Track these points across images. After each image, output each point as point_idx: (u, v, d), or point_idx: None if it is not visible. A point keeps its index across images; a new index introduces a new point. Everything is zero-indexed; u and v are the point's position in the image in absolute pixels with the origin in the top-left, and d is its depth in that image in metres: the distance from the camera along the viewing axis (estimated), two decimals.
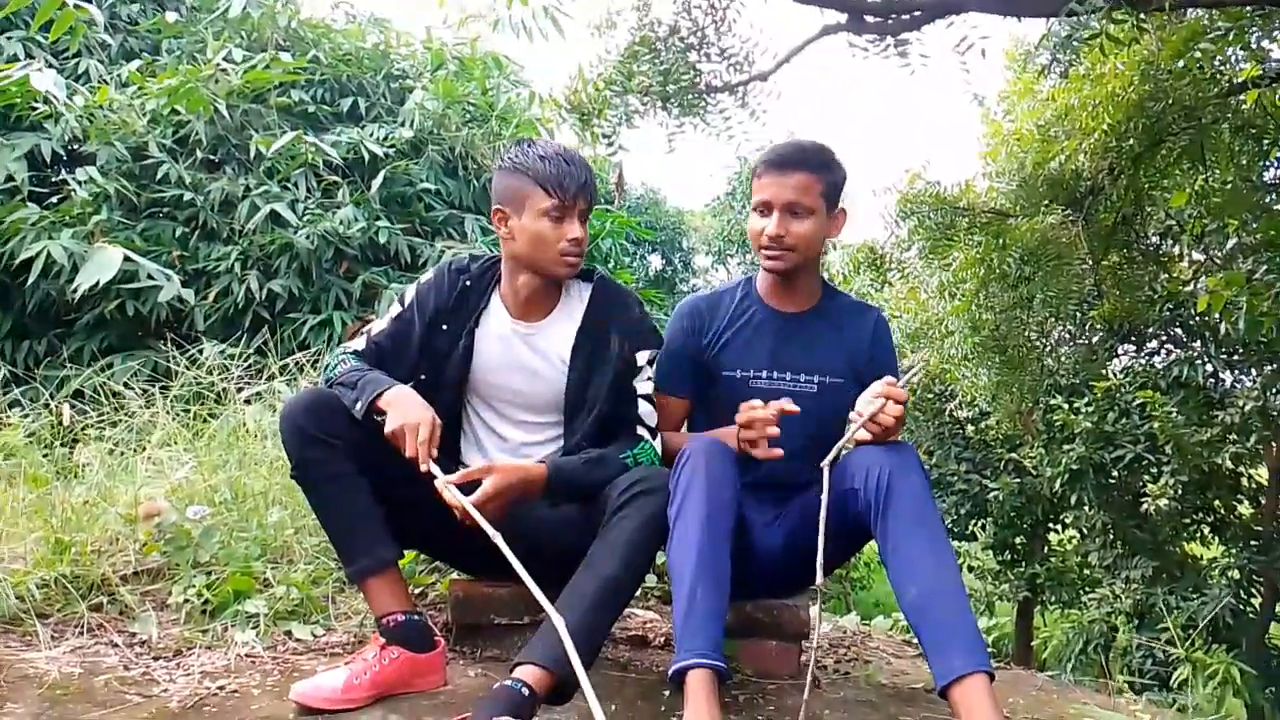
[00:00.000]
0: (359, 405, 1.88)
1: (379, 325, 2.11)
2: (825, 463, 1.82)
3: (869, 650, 2.70)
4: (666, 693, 2.02)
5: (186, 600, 2.24)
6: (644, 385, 2.08)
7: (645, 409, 2.07)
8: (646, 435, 2.05)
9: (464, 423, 2.13)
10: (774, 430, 1.94)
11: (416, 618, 1.94)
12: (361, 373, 1.96)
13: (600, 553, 1.76)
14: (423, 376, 2.07)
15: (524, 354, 2.09)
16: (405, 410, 1.85)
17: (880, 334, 2.25)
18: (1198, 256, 7.07)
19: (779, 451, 1.94)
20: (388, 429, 1.83)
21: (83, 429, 3.16)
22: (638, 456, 2.00)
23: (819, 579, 1.68)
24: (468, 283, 2.11)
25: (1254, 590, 6.96)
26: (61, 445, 3.22)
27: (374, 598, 1.93)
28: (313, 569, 2.46)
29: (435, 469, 1.81)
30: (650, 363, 2.10)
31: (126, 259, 4.71)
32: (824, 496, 1.75)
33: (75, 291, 4.67)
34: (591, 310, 2.11)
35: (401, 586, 1.97)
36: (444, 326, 2.07)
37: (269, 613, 2.22)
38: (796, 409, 1.96)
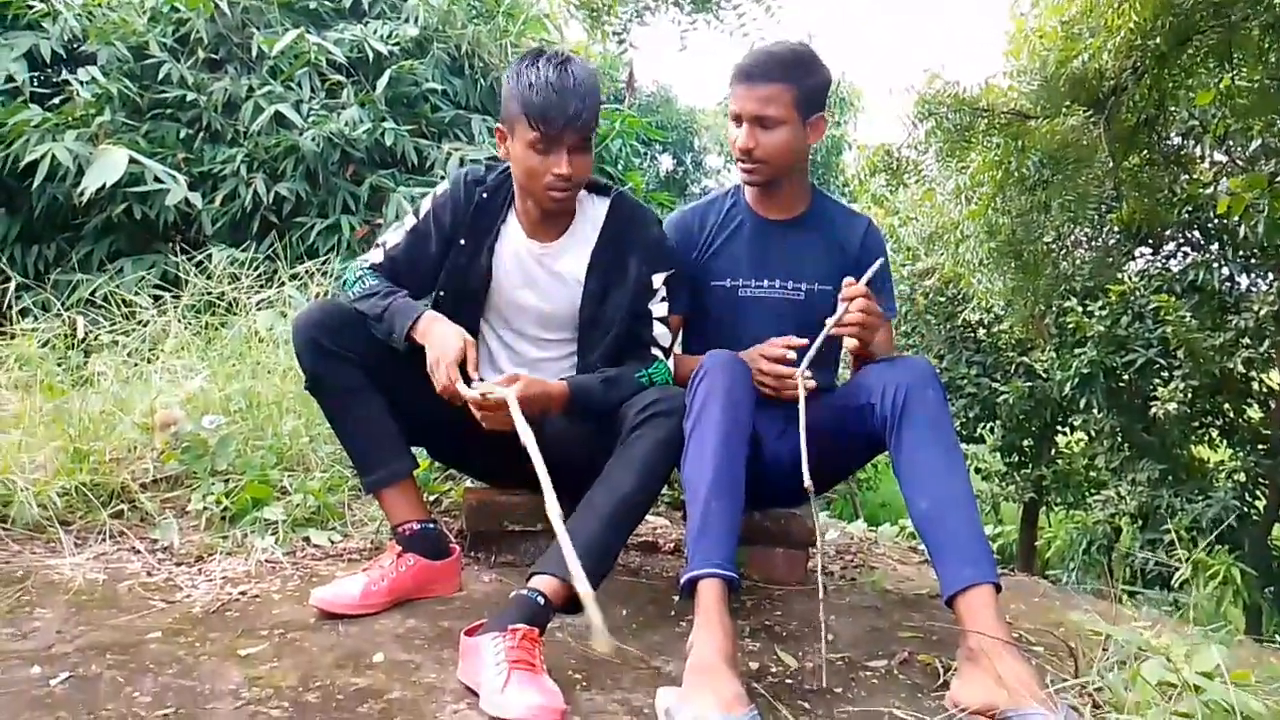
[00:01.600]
0: (394, 337, 1.89)
1: (394, 238, 2.08)
2: (800, 371, 1.87)
3: (875, 557, 2.74)
4: (676, 597, 2.06)
5: (206, 508, 2.28)
6: (659, 307, 2.06)
7: (660, 330, 2.06)
8: (660, 355, 2.05)
9: (480, 337, 2.13)
10: (791, 385, 1.94)
11: (431, 526, 1.98)
12: (385, 298, 1.94)
13: (616, 470, 1.78)
14: (440, 293, 2.06)
15: (539, 273, 2.07)
16: (443, 342, 1.85)
17: (871, 243, 2.22)
18: (1220, 158, 6.92)
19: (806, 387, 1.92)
20: (430, 363, 1.84)
21: (95, 339, 3.17)
22: (652, 376, 2.00)
23: (806, 480, 1.68)
24: (484, 195, 2.07)
25: (1259, 493, 7.04)
26: (75, 351, 3.25)
27: (390, 507, 1.97)
28: (328, 477, 2.50)
29: (464, 389, 1.80)
30: (665, 283, 2.07)
31: (132, 161, 4.66)
32: (800, 406, 1.80)
33: (82, 194, 4.63)
34: (608, 229, 2.07)
35: (417, 496, 2.01)
36: (461, 242, 2.05)
37: (287, 519, 2.27)
38: (803, 341, 1.96)
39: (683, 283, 2.13)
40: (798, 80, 2.06)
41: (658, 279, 2.07)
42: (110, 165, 4.64)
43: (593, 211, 2.10)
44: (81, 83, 5.14)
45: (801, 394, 1.83)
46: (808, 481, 1.68)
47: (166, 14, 5.51)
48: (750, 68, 2.07)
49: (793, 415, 2.14)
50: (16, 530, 2.18)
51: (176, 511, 2.33)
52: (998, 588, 1.62)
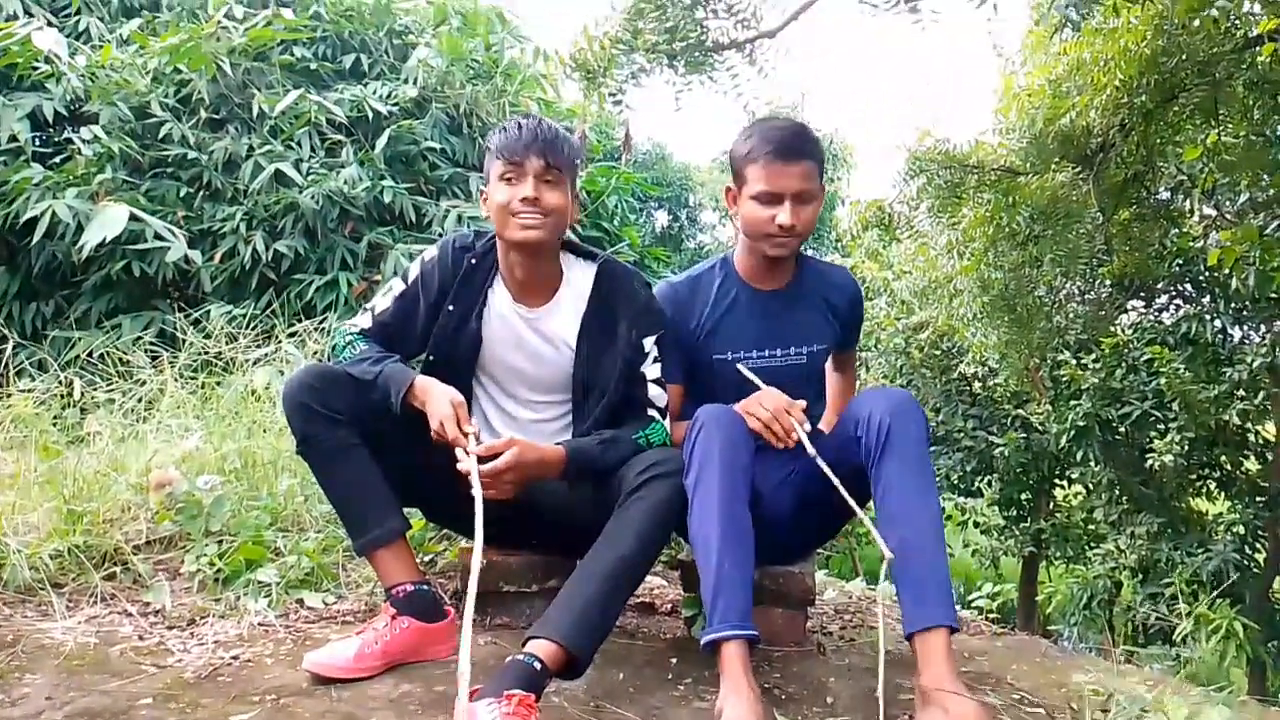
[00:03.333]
0: (393, 402, 1.90)
1: (382, 303, 2.10)
2: (813, 453, 1.90)
3: (874, 616, 2.72)
4: (674, 660, 2.04)
5: (199, 569, 2.27)
6: (652, 369, 2.08)
7: (655, 391, 2.07)
8: (657, 416, 2.06)
9: (473, 401, 2.13)
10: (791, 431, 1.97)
11: (426, 588, 1.96)
12: (377, 363, 1.96)
13: (615, 532, 1.78)
14: (431, 358, 2.07)
15: (529, 336, 2.08)
16: (437, 405, 1.87)
17: (858, 298, 2.32)
18: (1209, 212, 6.99)
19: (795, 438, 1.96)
20: (434, 430, 1.86)
21: (91, 398, 3.17)
22: (650, 437, 2.01)
23: (840, 491, 1.80)
24: (473, 261, 2.09)
25: (1259, 545, 7.00)
26: (70, 408, 3.25)
27: (383, 569, 1.96)
28: (322, 537, 2.49)
29: (463, 459, 1.81)
30: (656, 345, 2.09)
31: (133, 217, 4.71)
32: (816, 459, 1.87)
33: (81, 249, 4.67)
34: (596, 294, 2.09)
35: (410, 557, 1.99)
36: (450, 307, 2.06)
37: (280, 581, 2.25)
38: (807, 425, 1.99)
39: (672, 348, 2.14)
40: (819, 155, 2.12)
41: (648, 341, 2.09)
42: (110, 220, 4.68)
43: (580, 276, 2.12)
44: (84, 141, 5.21)
45: (802, 435, 1.89)
46: (843, 494, 1.80)
47: (169, 75, 5.60)
48: (787, 147, 2.06)
49: (789, 464, 2.16)
50: (8, 593, 2.16)
51: (169, 573, 2.31)
52: (954, 630, 1.71)
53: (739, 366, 2.11)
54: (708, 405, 1.95)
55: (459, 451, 1.82)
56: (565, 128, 2.09)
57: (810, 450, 1.88)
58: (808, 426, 1.95)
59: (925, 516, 1.78)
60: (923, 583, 1.73)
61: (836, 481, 1.81)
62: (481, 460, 1.80)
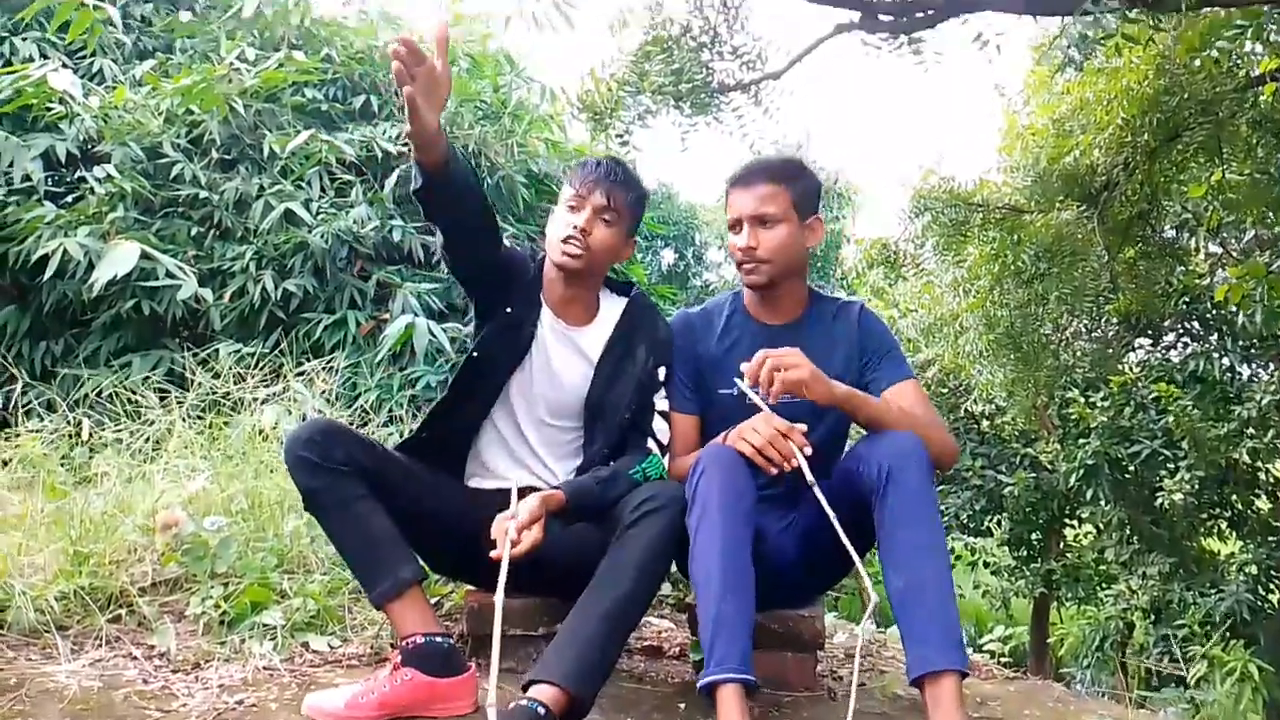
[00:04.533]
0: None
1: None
2: (811, 482, 1.85)
3: (884, 660, 2.69)
4: (682, 705, 2.02)
5: (204, 612, 2.25)
6: (662, 401, 2.11)
7: (659, 423, 2.10)
8: (654, 449, 2.08)
9: (488, 419, 2.14)
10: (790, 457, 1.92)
11: (440, 640, 1.88)
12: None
13: (612, 569, 1.77)
14: (475, 354, 2.09)
15: (564, 353, 2.14)
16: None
17: (866, 324, 2.23)
18: (1214, 249, 7.01)
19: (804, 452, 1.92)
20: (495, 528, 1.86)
21: (99, 438, 3.18)
22: (646, 471, 2.03)
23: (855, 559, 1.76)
24: (535, 272, 2.17)
25: (1272, 586, 6.92)
26: (79, 447, 3.25)
27: (398, 619, 1.89)
28: (328, 579, 2.47)
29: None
30: (667, 379, 2.14)
31: (145, 255, 4.74)
32: (821, 498, 1.81)
33: (92, 286, 4.70)
34: (624, 321, 2.17)
35: (425, 606, 1.92)
36: (508, 310, 2.10)
37: (286, 624, 2.23)
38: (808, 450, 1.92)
39: (686, 377, 2.19)
40: (789, 182, 2.14)
41: (662, 372, 2.15)
42: (121, 257, 4.71)
43: (613, 306, 2.21)
44: (98, 180, 5.26)
45: (802, 460, 1.85)
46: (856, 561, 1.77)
47: (181, 116, 5.66)
48: (745, 172, 2.17)
49: (793, 505, 2.14)
50: (12, 636, 2.15)
51: (175, 616, 2.30)
52: (964, 675, 1.66)
53: (737, 381, 2.03)
54: (710, 445, 1.94)
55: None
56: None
57: (809, 477, 1.82)
58: (809, 451, 1.88)
59: (931, 558, 1.75)
60: (929, 625, 1.70)
61: (832, 515, 1.77)
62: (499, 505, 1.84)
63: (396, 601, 1.88)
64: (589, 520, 1.95)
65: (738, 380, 2.02)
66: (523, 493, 1.87)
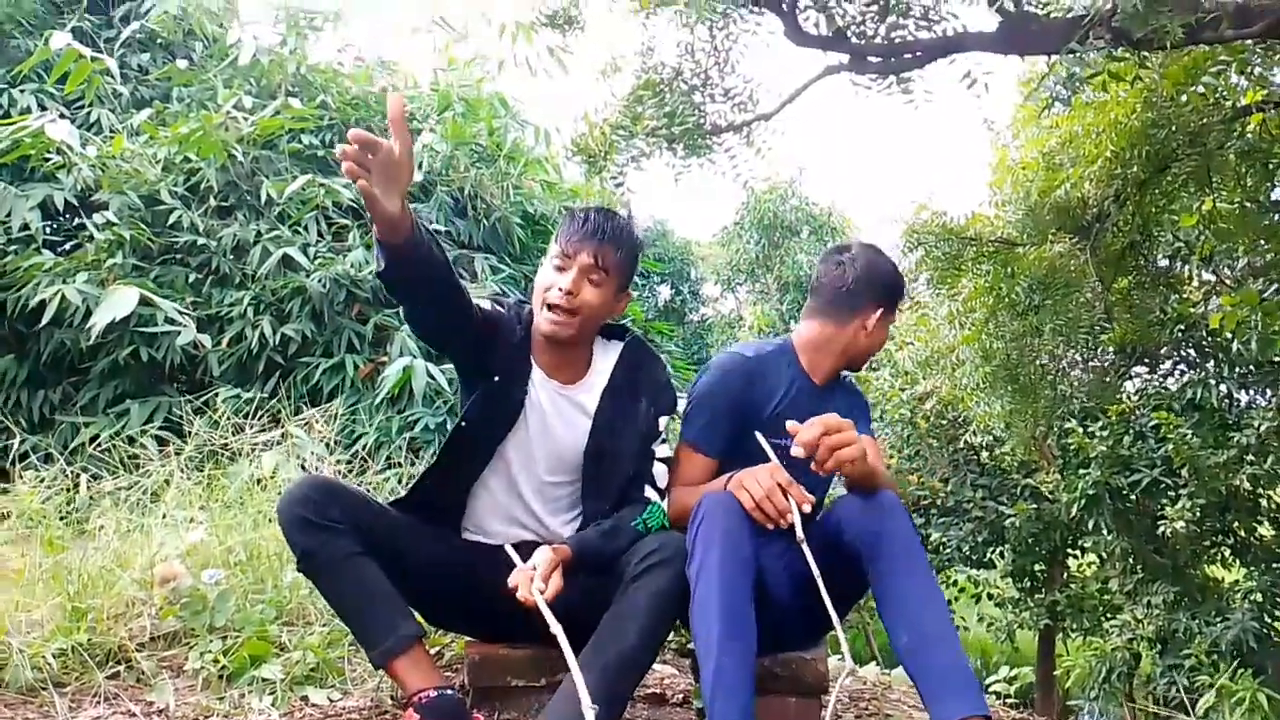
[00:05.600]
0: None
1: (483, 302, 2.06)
2: (800, 539, 1.85)
3: (889, 703, 2.67)
4: None
5: (203, 667, 2.24)
6: (661, 448, 2.08)
7: (659, 470, 2.07)
8: (655, 497, 2.05)
9: (480, 482, 2.08)
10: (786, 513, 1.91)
11: (450, 692, 1.87)
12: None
13: (617, 623, 1.76)
14: (463, 424, 2.01)
15: (564, 408, 2.07)
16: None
17: (850, 378, 2.35)
18: (1208, 277, 7.04)
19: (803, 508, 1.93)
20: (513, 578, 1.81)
21: (97, 492, 3.17)
22: (648, 521, 2.00)
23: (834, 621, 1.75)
24: (521, 335, 2.06)
25: (1277, 613, 6.88)
26: (77, 498, 3.24)
27: (403, 676, 1.86)
28: (328, 631, 2.45)
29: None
30: (668, 426, 2.10)
31: (144, 301, 4.76)
32: (809, 556, 1.83)
33: (90, 333, 4.71)
34: (620, 370, 2.10)
35: (429, 660, 1.91)
36: (495, 378, 2.00)
37: (285, 678, 2.22)
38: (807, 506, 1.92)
39: (724, 418, 2.11)
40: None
41: (664, 421, 2.10)
42: (119, 302, 4.74)
43: (607, 353, 2.13)
44: (97, 227, 5.29)
45: (797, 520, 1.85)
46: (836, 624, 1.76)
47: (179, 163, 5.71)
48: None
49: (793, 535, 2.13)
50: (9, 694, 2.13)
51: (173, 671, 2.29)
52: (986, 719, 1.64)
53: (757, 435, 2.02)
54: (711, 493, 1.94)
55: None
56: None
57: (799, 535, 1.83)
58: (807, 508, 1.88)
59: (931, 609, 1.76)
60: (943, 674, 1.69)
61: (818, 575, 1.78)
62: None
63: (400, 659, 1.85)
64: (592, 574, 1.93)
65: (759, 437, 2.01)
66: (519, 548, 1.86)
